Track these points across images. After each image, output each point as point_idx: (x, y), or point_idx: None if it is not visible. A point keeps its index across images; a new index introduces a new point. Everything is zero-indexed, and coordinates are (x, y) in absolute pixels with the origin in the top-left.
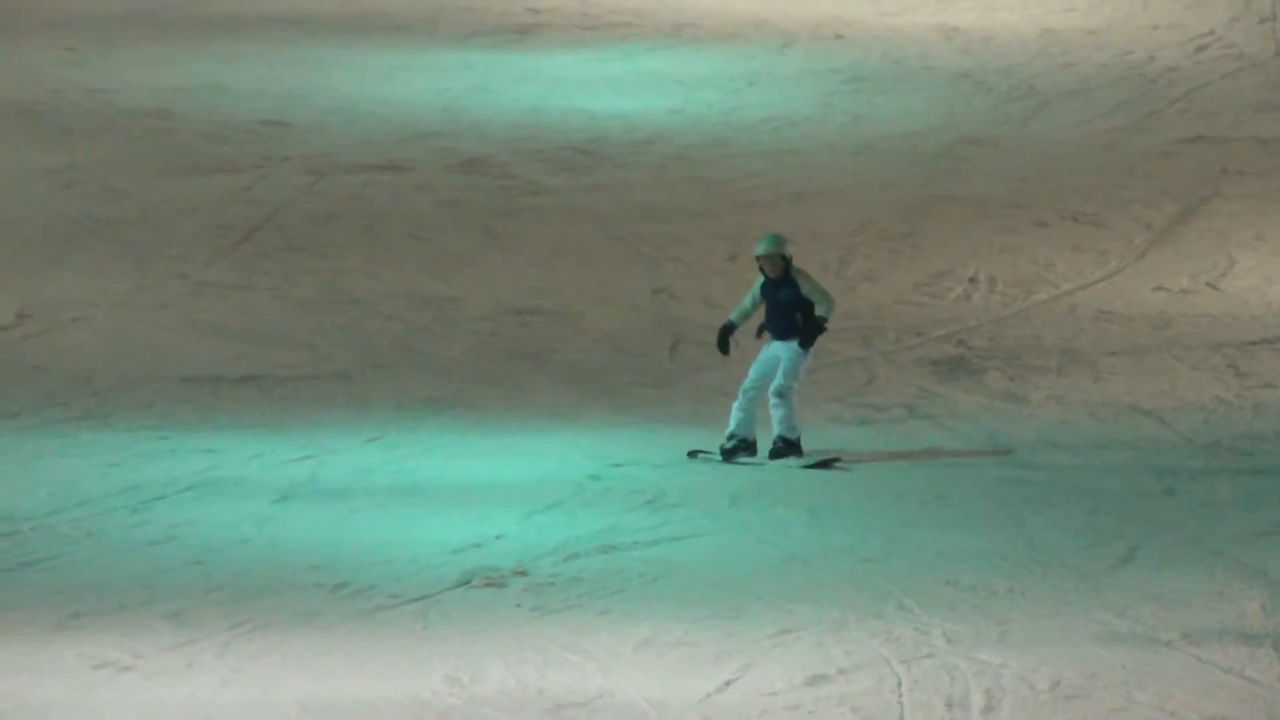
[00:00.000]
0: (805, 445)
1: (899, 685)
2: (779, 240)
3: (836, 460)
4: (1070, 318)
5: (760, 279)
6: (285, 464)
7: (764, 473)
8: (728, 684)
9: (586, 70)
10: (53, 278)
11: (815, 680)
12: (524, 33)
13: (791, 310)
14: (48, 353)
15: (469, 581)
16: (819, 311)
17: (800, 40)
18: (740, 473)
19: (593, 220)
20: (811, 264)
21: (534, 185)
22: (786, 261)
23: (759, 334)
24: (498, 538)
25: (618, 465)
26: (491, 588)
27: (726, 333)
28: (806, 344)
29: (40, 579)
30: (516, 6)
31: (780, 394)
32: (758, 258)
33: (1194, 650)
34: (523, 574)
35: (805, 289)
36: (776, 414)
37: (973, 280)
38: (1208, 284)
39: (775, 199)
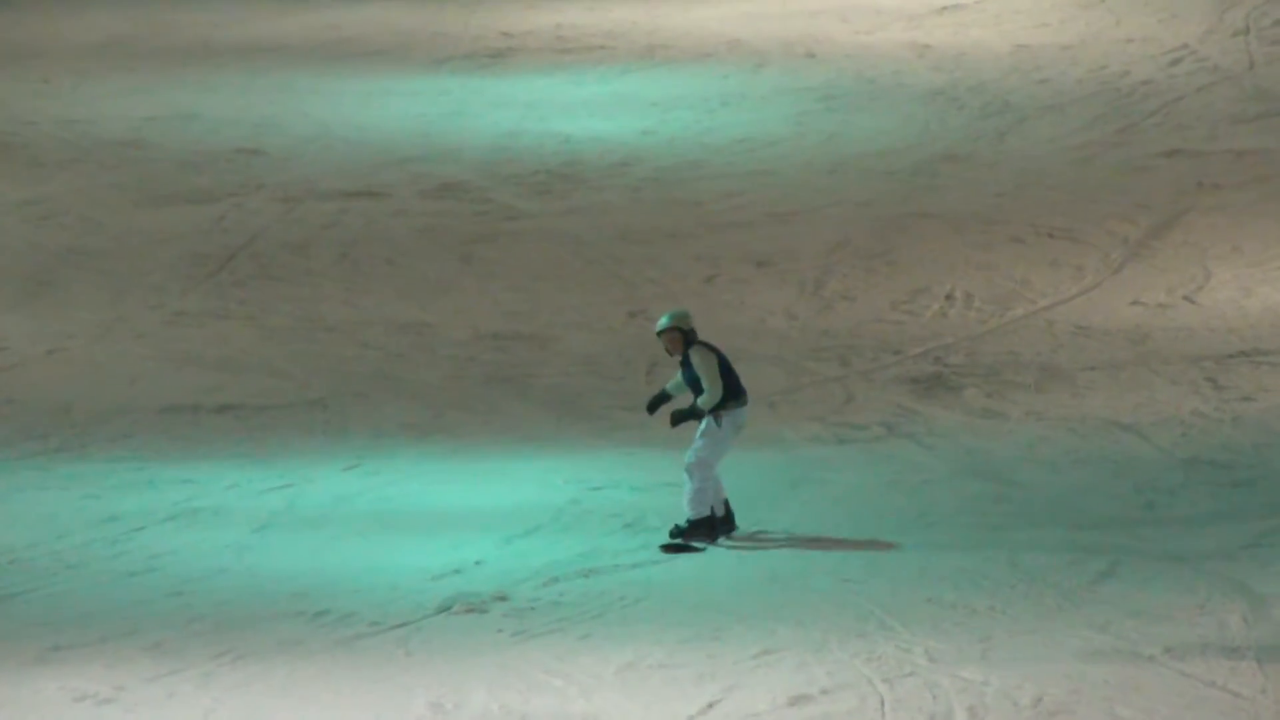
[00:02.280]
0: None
1: (882, 704)
2: (674, 316)
3: (698, 549)
4: (1048, 333)
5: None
6: (264, 493)
7: (746, 493)
8: (711, 705)
9: (561, 93)
10: (28, 310)
11: (798, 700)
12: (498, 57)
13: (696, 388)
14: (24, 386)
15: (450, 608)
16: (699, 400)
17: (773, 59)
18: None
19: (569, 244)
20: (787, 285)
21: (510, 210)
22: (686, 338)
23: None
24: (478, 563)
25: (597, 489)
26: (473, 613)
27: (658, 401)
28: (673, 421)
29: (20, 611)
30: (490, 31)
31: (686, 469)
32: (656, 335)
33: (1177, 664)
34: (503, 599)
35: (696, 369)
36: (685, 490)
37: (949, 297)
38: (1185, 298)
39: (751, 219)
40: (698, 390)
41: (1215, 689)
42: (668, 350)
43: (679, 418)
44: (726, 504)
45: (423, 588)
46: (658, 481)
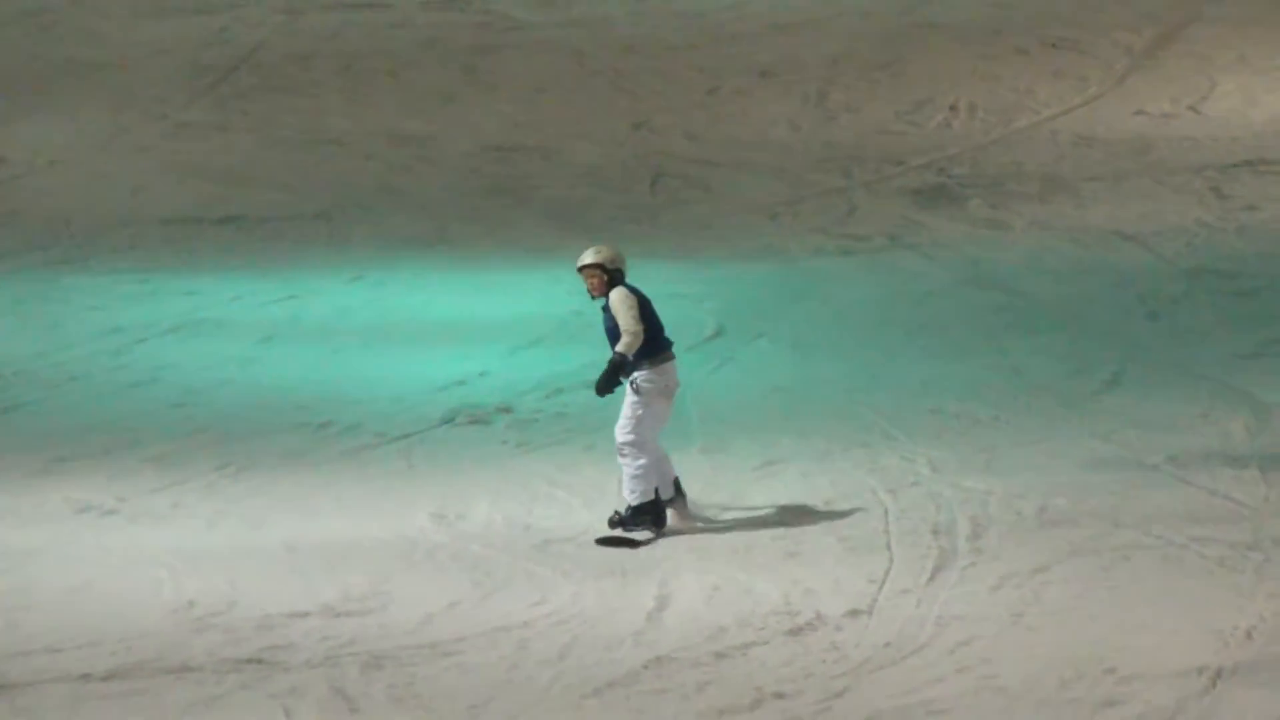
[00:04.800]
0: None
1: (886, 514)
2: (599, 251)
3: (640, 542)
4: (1051, 144)
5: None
6: (267, 305)
7: (747, 306)
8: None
9: None
10: (29, 121)
11: (802, 510)
12: None
13: (615, 337)
14: (25, 197)
15: (454, 419)
16: (617, 347)
17: None
18: (723, 308)
19: (571, 55)
20: (791, 96)
21: (512, 21)
22: (611, 279)
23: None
24: (481, 375)
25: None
26: (476, 425)
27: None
28: (599, 389)
29: (23, 423)
30: None
31: (618, 451)
32: (577, 271)
33: (1180, 473)
34: (507, 411)
35: (614, 312)
36: (622, 475)
37: (953, 108)
38: (1189, 107)
39: (755, 30)
40: (617, 340)
41: (1218, 498)
42: (590, 292)
43: (604, 382)
44: (677, 483)
45: (426, 399)
46: (661, 293)
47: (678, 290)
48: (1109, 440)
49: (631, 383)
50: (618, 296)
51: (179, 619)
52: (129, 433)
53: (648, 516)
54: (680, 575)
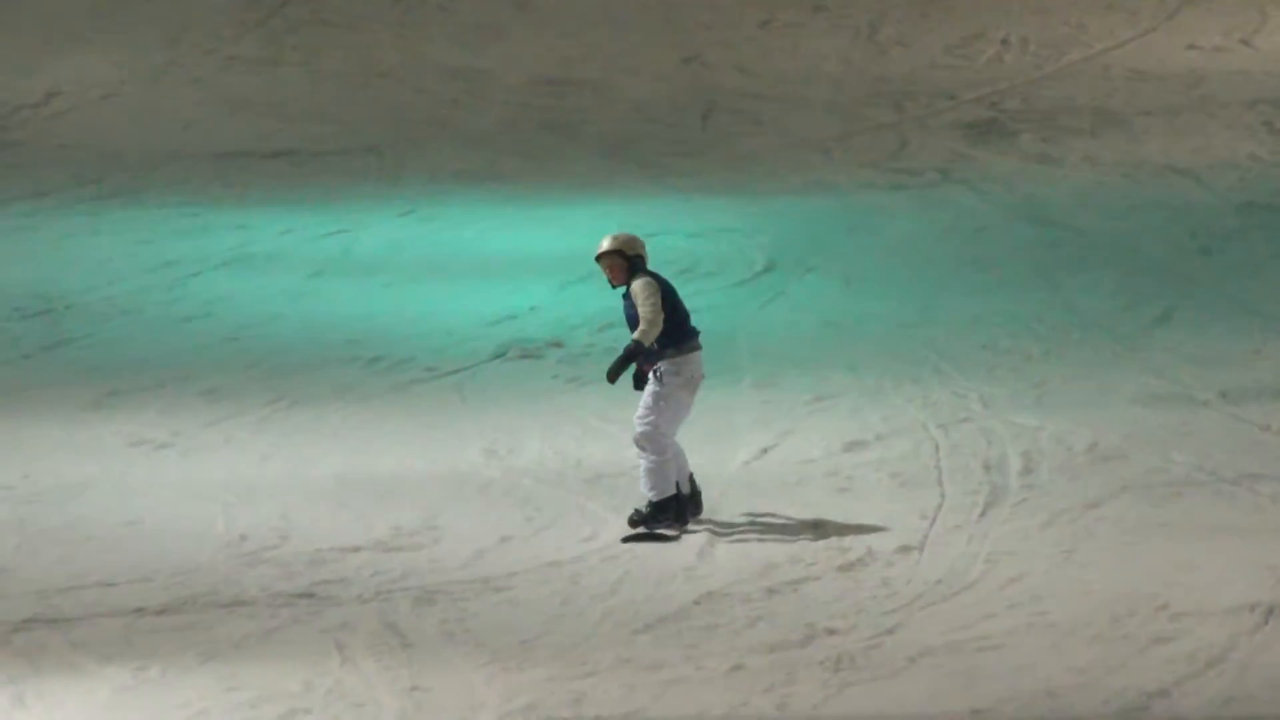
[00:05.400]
0: None
1: (936, 449)
2: (618, 238)
3: (670, 538)
4: (1103, 78)
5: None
6: (318, 239)
7: (798, 241)
8: (765, 451)
9: None
10: (82, 55)
11: (853, 446)
12: None
13: (635, 326)
14: (77, 131)
15: (505, 354)
16: (634, 335)
17: None
18: (774, 243)
19: None
20: (842, 30)
21: None
22: (630, 265)
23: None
24: (532, 309)
25: (650, 235)
26: (528, 359)
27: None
28: (610, 374)
29: (77, 357)
30: None
31: (635, 443)
32: (595, 260)
33: (1231, 409)
34: (558, 345)
35: (635, 300)
36: (640, 469)
37: (1005, 42)
38: (1241, 41)
39: None
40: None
41: (1270, 433)
42: (609, 281)
43: (615, 368)
44: (692, 480)
45: (478, 334)
46: (711, 227)
47: (728, 225)
48: (1161, 376)
49: (655, 371)
50: (640, 284)
51: (232, 553)
52: (181, 367)
53: (669, 514)
54: (732, 511)
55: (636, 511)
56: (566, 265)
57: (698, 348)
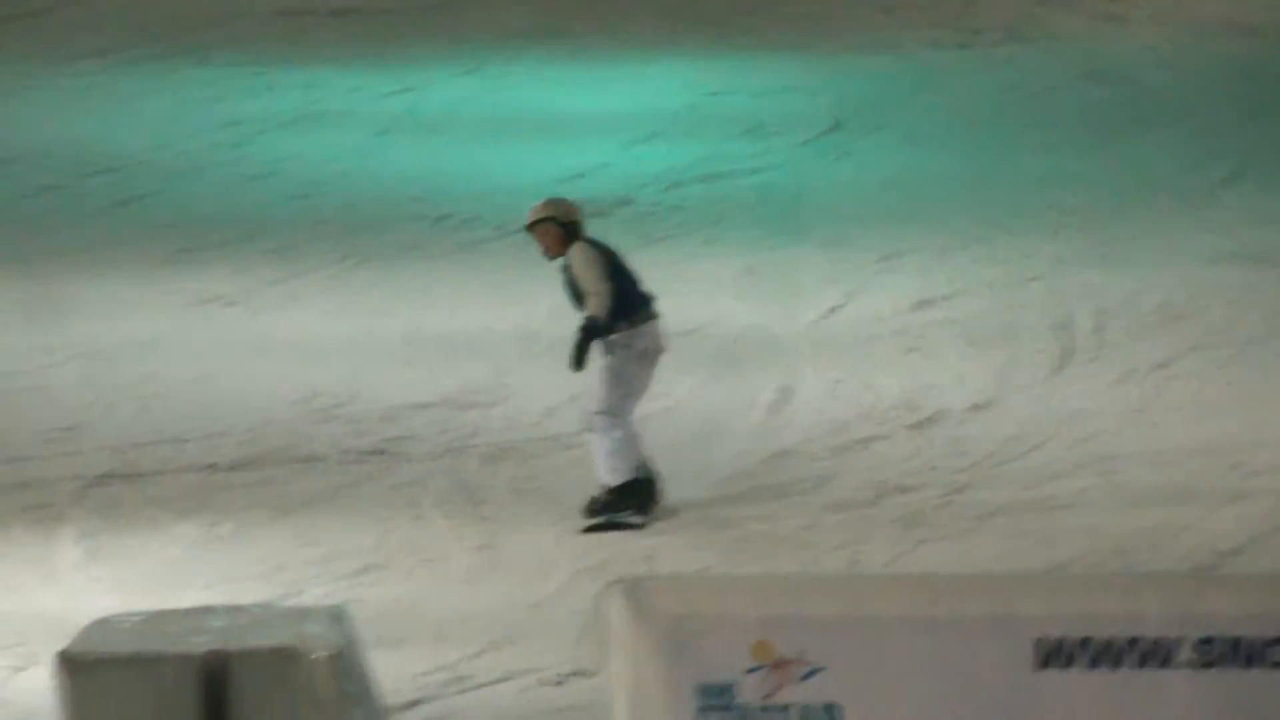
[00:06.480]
0: None
1: (1005, 309)
2: (551, 203)
3: (635, 525)
4: None
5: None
6: (385, 97)
7: (863, 100)
8: (833, 310)
9: None
10: None
11: (921, 305)
12: None
13: (578, 304)
14: None
15: None
16: (585, 311)
17: None
18: (839, 102)
19: None
20: None
21: None
22: (566, 233)
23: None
24: (600, 167)
25: (714, 94)
26: (596, 217)
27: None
28: (573, 362)
29: (146, 214)
30: None
31: (588, 423)
32: (526, 230)
33: None
34: (626, 203)
35: (575, 273)
36: (598, 452)
37: None
38: None
39: None
40: (583, 305)
41: None
42: (544, 252)
43: (577, 354)
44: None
45: (545, 192)
46: (776, 86)
47: (793, 83)
48: (1228, 236)
49: (605, 344)
50: (577, 252)
51: (302, 410)
52: (250, 224)
53: (633, 499)
54: (800, 369)
55: (593, 499)
56: (633, 124)
57: (653, 316)
